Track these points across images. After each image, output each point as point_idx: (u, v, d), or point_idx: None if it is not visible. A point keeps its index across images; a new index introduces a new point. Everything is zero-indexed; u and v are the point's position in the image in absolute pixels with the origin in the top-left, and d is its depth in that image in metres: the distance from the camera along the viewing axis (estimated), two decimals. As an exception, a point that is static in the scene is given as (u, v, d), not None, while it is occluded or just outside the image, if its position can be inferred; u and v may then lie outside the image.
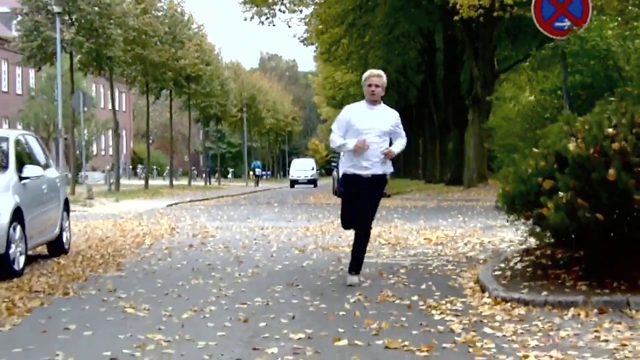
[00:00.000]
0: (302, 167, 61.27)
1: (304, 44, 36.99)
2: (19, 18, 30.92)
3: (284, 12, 32.87)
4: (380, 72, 8.29)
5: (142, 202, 26.98)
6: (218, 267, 9.61)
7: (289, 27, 39.62)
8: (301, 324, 6.12)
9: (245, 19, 33.14)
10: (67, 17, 29.07)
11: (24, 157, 10.02)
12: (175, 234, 14.34)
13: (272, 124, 78.98)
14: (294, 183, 58.21)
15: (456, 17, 24.13)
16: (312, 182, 58.71)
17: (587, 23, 9.54)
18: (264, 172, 77.27)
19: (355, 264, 8.15)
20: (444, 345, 5.43)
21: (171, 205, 26.11)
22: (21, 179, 9.45)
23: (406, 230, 14.27)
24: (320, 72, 61.66)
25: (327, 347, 5.41)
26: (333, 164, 34.23)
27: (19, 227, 8.99)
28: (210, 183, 58.76)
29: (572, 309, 6.55)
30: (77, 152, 38.43)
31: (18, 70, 58.51)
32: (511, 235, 11.31)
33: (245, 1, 31.65)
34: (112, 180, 35.10)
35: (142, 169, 72.27)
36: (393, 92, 52.01)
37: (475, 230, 14.04)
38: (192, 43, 41.32)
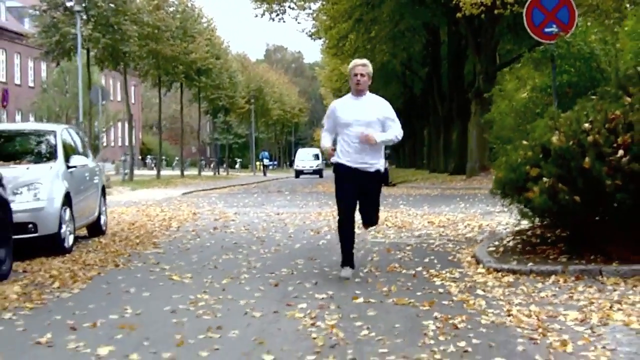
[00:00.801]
0: (308, 157, 58.71)
1: (311, 38, 38.11)
2: (37, 14, 32.04)
3: (293, 9, 34.05)
4: (365, 61, 8.07)
5: (157, 191, 28.17)
6: (243, 245, 10.79)
7: (298, 23, 40.53)
8: (323, 288, 7.29)
9: (256, 16, 34.30)
10: (84, 14, 30.22)
11: (69, 148, 11.19)
12: (197, 218, 15.52)
13: (279, 115, 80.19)
14: (299, 173, 56.10)
15: (459, 14, 25.20)
16: (318, 172, 56.25)
17: (573, 29, 10.68)
18: (271, 163, 78.43)
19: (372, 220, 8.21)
20: (443, 302, 6.58)
21: (186, 193, 27.30)
22: (68, 167, 10.63)
23: (411, 215, 15.42)
24: (326, 64, 62.63)
25: (347, 304, 6.56)
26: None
27: (68, 210, 10.17)
28: (218, 173, 59.97)
29: (552, 276, 7.69)
30: (96, 142, 39.61)
31: (30, 64, 59.78)
32: (507, 219, 12.40)
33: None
34: (126, 170, 36.27)
35: (152, 159, 73.58)
36: (399, 84, 53.13)
37: (475, 215, 15.18)
38: (202, 37, 42.46)
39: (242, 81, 60.90)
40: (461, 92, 37.19)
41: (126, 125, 61.51)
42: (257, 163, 70.17)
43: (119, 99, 64.43)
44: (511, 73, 38.70)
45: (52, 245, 9.74)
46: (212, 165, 69.19)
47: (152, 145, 79.98)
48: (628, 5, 20.82)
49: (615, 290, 6.97)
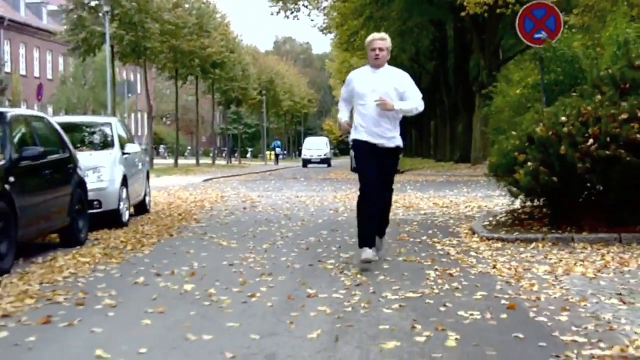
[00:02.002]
0: (316, 146, 57.24)
1: (323, 33, 39.75)
2: (64, 13, 33.78)
3: (307, 7, 35.69)
4: (384, 34, 7.87)
5: (179, 178, 29.91)
6: (273, 220, 12.53)
7: (312, 20, 42.01)
8: (346, 250, 9.01)
9: (272, 14, 36.03)
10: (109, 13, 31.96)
11: (122, 138, 12.92)
12: (226, 200, 17.28)
13: (289, 106, 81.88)
14: (306, 163, 54.55)
15: (463, 13, 26.84)
16: (326, 161, 55.03)
17: (559, 35, 12.34)
18: (281, 152, 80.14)
19: (381, 230, 8.13)
20: (442, 259, 8.29)
21: (207, 180, 29.06)
22: (123, 154, 12.37)
23: (418, 198, 17.13)
24: (336, 57, 64.22)
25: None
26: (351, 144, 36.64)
27: (125, 190, 11.92)
28: (231, 162, 61.76)
29: (533, 243, 9.39)
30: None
31: (48, 57, 61.77)
32: (505, 201, 14.10)
33: (274, -1, 34.48)
34: (147, 159, 37.95)
35: (165, 148, 75.44)
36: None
37: (476, 198, 16.87)
38: (217, 32, 44.15)
39: (254, 73, 62.56)
40: (466, 85, 38.82)
41: (145, 116, 63.59)
42: (268, 152, 71.94)
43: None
44: (516, 64, 40.32)
45: (113, 219, 11.49)
46: (224, 154, 71.00)
47: (163, 134, 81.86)
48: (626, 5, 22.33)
49: (582, 252, 8.66)
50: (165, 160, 58.49)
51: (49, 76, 61.47)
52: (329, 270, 7.66)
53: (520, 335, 4.98)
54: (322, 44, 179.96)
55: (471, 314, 5.61)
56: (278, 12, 35.20)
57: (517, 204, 11.52)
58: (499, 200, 15.23)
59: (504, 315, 5.59)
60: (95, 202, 11.12)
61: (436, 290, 6.57)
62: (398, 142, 7.77)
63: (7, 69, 53.50)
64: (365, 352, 4.64)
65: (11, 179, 7.88)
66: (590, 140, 9.38)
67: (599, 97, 9.93)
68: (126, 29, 32.22)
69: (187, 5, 42.51)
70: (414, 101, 7.66)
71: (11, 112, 8.91)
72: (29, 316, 5.68)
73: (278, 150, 65.22)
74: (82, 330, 5.26)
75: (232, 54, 48.27)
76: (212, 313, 5.74)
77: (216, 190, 21.11)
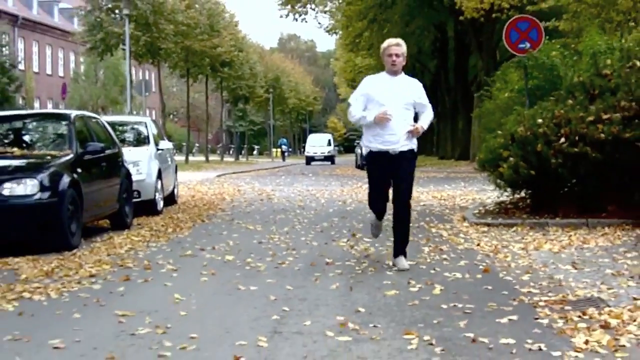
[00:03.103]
0: (319, 143, 56.08)
1: (329, 34, 41.41)
2: (82, 14, 35.44)
3: (314, 10, 37.38)
4: (400, 40, 7.81)
5: (193, 174, 31.56)
6: (289, 210, 14.18)
7: (319, 23, 43.53)
8: (357, 231, 10.65)
9: (281, 16, 37.61)
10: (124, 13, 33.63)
11: (156, 135, 14.58)
12: (243, 193, 18.94)
13: (295, 103, 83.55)
14: (309, 160, 53.31)
15: (462, 17, 28.46)
16: (330, 159, 53.71)
17: (540, 45, 13.98)
18: (287, 149, 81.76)
19: (402, 245, 7.81)
20: (435, 239, 9.93)
21: (221, 175, 30.73)
22: (157, 150, 14.03)
23: (418, 192, 18.71)
24: (340, 56, 65.82)
25: (372, 240, 9.92)
26: (357, 141, 38.20)
27: (159, 182, 13.57)
28: (238, 159, 63.44)
29: (514, 227, 11.01)
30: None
31: (60, 54, 63.47)
32: (496, 194, 15.73)
33: (283, 2, 36.02)
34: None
35: (174, 145, 77.06)
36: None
37: (472, 192, 18.49)
38: (227, 32, 45.80)
39: (261, 71, 64.19)
40: (466, 84, 40.44)
41: (153, 113, 65.26)
42: (275, 150, 73.63)
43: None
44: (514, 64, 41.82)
45: (150, 208, 13.15)
46: (230, 152, 72.67)
47: (170, 131, 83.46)
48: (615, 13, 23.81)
49: (553, 234, 10.27)
50: (175, 157, 60.07)
51: (61, 73, 63.08)
52: (341, 246, 9.32)
53: (490, 287, 6.62)
54: (327, 42, 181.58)
55: (454, 275, 7.26)
56: (287, 15, 36.89)
57: (505, 196, 13.14)
58: (492, 194, 16.78)
59: (479, 276, 7.24)
60: (135, 193, 12.75)
61: (428, 260, 8.22)
62: (413, 145, 7.73)
63: (21, 66, 55.25)
64: (372, 297, 6.29)
65: (79, 170, 9.54)
66: (562, 139, 11.00)
67: (570, 101, 11.54)
68: (142, 30, 33.88)
69: (197, 6, 44.15)
70: (429, 113, 7.83)
71: (73, 113, 10.56)
72: (111, 275, 7.34)
73: (285, 147, 66.92)
74: (156, 284, 6.92)
75: (240, 53, 49.92)
76: (253, 274, 7.39)
77: (232, 185, 22.78)
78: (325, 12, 38.43)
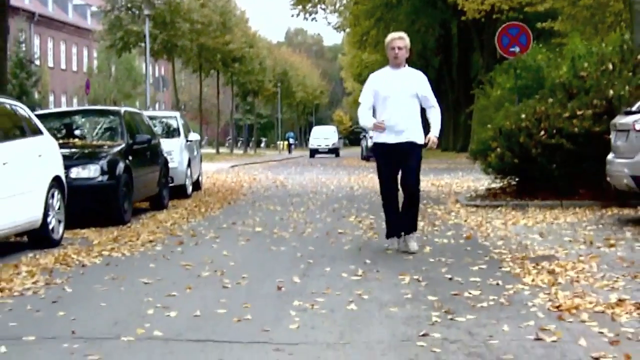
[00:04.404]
0: (323, 135, 54.90)
1: (337, 31, 43.19)
2: (103, 13, 37.26)
3: (324, 10, 39.14)
4: (402, 34, 8.03)
5: (208, 165, 33.32)
6: (303, 194, 15.97)
7: (329, 23, 45.48)
8: (362, 212, 12.43)
9: (292, 15, 39.37)
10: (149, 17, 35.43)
11: (184, 128, 16.37)
12: (258, 181, 20.73)
13: (302, 97, 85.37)
14: (313, 152, 52.36)
15: (464, 17, 30.18)
16: (334, 151, 52.94)
17: (529, 49, 15.74)
18: (294, 142, 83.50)
19: (411, 225, 8.17)
20: (430, 217, 11.70)
21: (234, 166, 32.54)
22: (187, 141, 15.81)
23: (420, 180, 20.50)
24: (348, 52, 67.50)
25: (377, 217, 11.68)
26: (363, 134, 39.75)
27: (189, 169, 15.36)
28: (246, 151, 65.28)
29: (498, 207, 12.77)
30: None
31: (74, 50, 65.32)
32: (489, 182, 17.49)
33: (295, 2, 37.74)
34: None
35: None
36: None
37: (468, 180, 20.23)
38: (239, 29, 47.59)
39: (270, 66, 65.94)
40: (468, 80, 42.17)
41: (164, 107, 67.05)
42: (282, 142, 75.40)
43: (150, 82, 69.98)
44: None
45: (181, 192, 14.94)
46: (238, 144, 74.51)
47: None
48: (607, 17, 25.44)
49: (531, 214, 12.03)
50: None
51: (74, 68, 64.88)
52: (351, 222, 11.11)
53: (469, 249, 8.39)
54: (333, 36, 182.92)
55: (442, 240, 9.04)
56: (298, 14, 38.56)
57: (495, 183, 14.89)
58: (485, 182, 18.53)
59: (462, 241, 9.01)
60: (170, 178, 14.54)
61: (422, 231, 9.99)
62: (420, 137, 7.99)
63: (37, 62, 57.07)
64: (376, 254, 8.06)
65: (130, 157, 11.33)
66: (542, 132, 12.76)
67: (551, 99, 13.30)
68: (160, 29, 35.69)
69: (210, 4, 45.91)
70: (437, 112, 8.08)
71: (123, 109, 12.36)
72: (167, 240, 9.14)
73: (291, 140, 68.76)
74: (205, 246, 8.71)
75: (251, 48, 51.69)
76: (280, 240, 9.18)
77: (246, 174, 24.59)
78: (333, 12, 40.20)
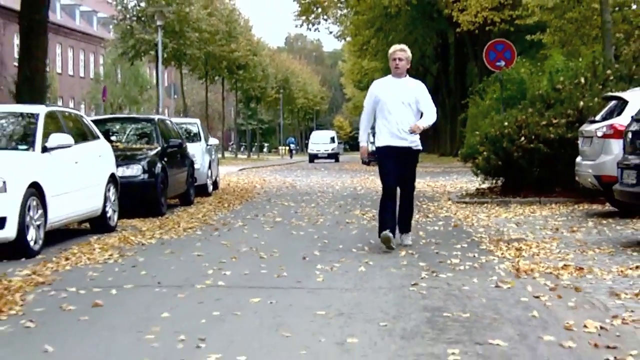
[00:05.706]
0: (322, 140, 54.89)
1: (338, 40, 45.10)
2: (115, 23, 39.09)
3: (326, 20, 41.01)
4: (404, 46, 8.55)
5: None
6: (311, 193, 17.78)
7: (330, 32, 47.11)
8: (366, 207, 14.24)
9: (296, 26, 41.23)
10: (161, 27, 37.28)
11: (205, 133, 18.18)
12: (269, 183, 22.54)
13: (303, 103, 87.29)
14: (313, 158, 52.02)
15: (458, 29, 32.04)
16: (333, 156, 52.96)
17: (513, 64, 17.60)
18: (295, 147, 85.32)
19: (405, 224, 8.97)
20: (424, 211, 13.51)
21: (242, 169, 34.36)
22: (207, 145, 17.62)
23: (416, 183, 22.31)
24: (348, 59, 69.37)
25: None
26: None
27: (210, 171, 17.17)
28: (250, 156, 67.11)
29: (485, 204, 14.58)
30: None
31: (81, 56, 67.14)
32: (479, 183, 19.30)
33: (299, 13, 39.62)
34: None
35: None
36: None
37: (461, 182, 22.04)
38: (243, 37, 49.47)
39: (272, 73, 67.83)
40: (464, 88, 44.06)
41: (168, 113, 68.94)
42: (283, 147, 77.28)
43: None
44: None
45: (203, 191, 16.75)
46: (241, 149, 76.39)
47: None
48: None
49: (513, 209, 13.84)
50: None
51: (82, 74, 66.69)
52: (356, 214, 12.93)
53: (455, 233, 10.21)
54: (333, 42, 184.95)
55: (433, 227, 10.85)
56: (301, 25, 40.45)
57: (485, 184, 16.69)
58: (476, 184, 20.38)
59: (450, 228, 10.82)
60: (194, 178, 16.34)
61: (417, 221, 11.81)
62: (418, 143, 8.67)
63: (47, 68, 58.86)
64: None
65: (165, 159, 13.14)
66: (522, 138, 14.58)
67: (531, 109, 15.12)
68: (169, 38, 37.54)
69: (217, 13, 47.77)
70: (430, 114, 8.54)
71: (157, 117, 14.18)
72: (205, 227, 10.95)
73: (292, 145, 70.65)
74: (237, 231, 10.52)
75: (255, 56, 53.58)
76: (298, 227, 10.99)
77: (256, 177, 26.42)
78: (335, 23, 42.10)
